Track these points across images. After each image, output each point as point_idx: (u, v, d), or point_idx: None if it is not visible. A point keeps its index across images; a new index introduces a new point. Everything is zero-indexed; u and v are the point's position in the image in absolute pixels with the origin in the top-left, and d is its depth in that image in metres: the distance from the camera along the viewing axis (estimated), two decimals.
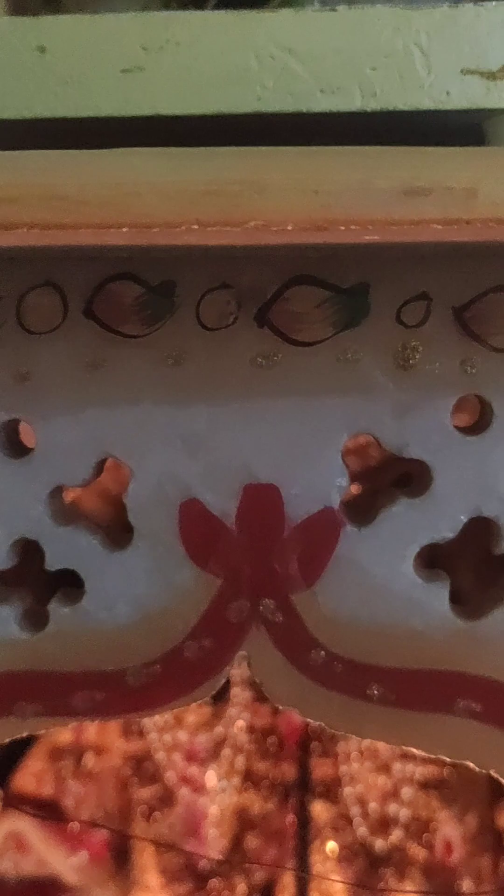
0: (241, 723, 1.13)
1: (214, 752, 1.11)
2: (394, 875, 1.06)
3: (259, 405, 0.39)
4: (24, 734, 0.42)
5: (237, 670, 1.29)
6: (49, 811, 1.17)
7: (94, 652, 0.41)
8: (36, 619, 0.41)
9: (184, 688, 0.41)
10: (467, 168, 0.29)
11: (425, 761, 1.08)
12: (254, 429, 0.39)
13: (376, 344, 0.38)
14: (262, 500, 0.39)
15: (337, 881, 1.07)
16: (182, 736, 1.11)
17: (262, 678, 0.41)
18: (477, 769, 0.40)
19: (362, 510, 0.41)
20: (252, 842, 1.11)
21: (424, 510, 0.40)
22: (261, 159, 0.30)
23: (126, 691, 0.41)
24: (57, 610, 0.41)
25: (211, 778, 1.10)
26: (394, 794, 1.08)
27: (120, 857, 1.16)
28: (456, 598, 0.40)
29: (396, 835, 1.07)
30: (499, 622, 0.40)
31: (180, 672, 0.41)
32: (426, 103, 0.37)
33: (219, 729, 1.11)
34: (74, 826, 1.13)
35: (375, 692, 0.40)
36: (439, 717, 0.40)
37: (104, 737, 1.14)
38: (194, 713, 1.12)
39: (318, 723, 0.42)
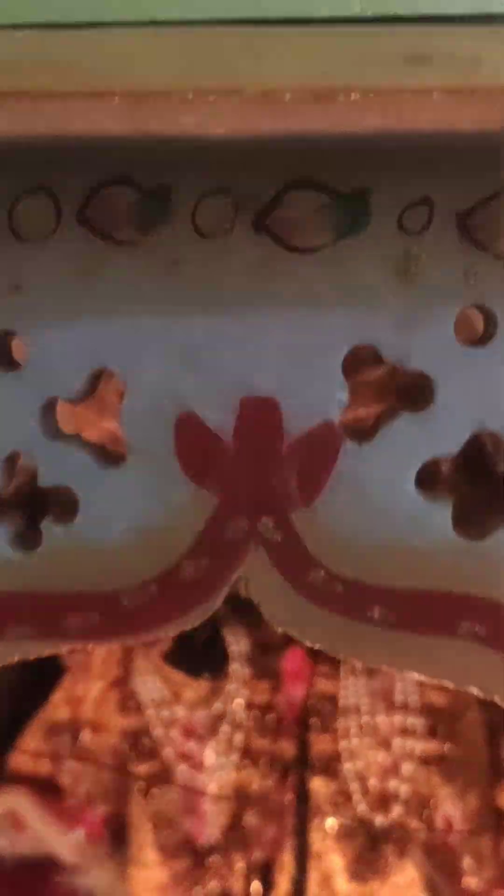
0: (239, 699, 1.11)
1: (213, 729, 1.09)
2: (394, 852, 1.04)
3: (257, 316, 0.38)
4: (16, 658, 0.41)
5: (236, 646, 1.27)
6: (46, 790, 1.16)
7: (89, 572, 0.40)
8: (28, 539, 0.40)
9: (180, 609, 0.39)
10: (471, 36, 0.28)
11: (425, 737, 1.07)
12: (252, 340, 0.38)
13: (377, 251, 0.37)
14: (260, 415, 0.38)
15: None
16: (180, 712, 1.09)
17: (260, 599, 0.40)
18: (482, 695, 0.39)
19: (363, 428, 0.40)
20: (251, 819, 1.09)
21: (427, 425, 0.38)
22: (259, 30, 0.29)
23: (121, 613, 0.39)
24: (50, 529, 0.40)
25: (209, 755, 1.09)
26: (394, 770, 1.06)
27: (117, 834, 1.15)
28: (459, 518, 0.39)
29: (396, 811, 1.05)
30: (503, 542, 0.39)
31: (177, 593, 0.39)
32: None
33: (217, 705, 1.10)
34: (71, 804, 1.11)
35: (376, 614, 0.38)
36: (442, 640, 0.39)
37: (101, 713, 1.13)
38: (192, 689, 1.11)
39: (317, 646, 0.40)
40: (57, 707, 1.15)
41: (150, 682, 1.10)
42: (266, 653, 1.17)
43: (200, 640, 1.14)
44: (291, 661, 1.11)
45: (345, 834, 1.04)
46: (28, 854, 1.14)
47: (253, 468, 0.39)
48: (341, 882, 1.05)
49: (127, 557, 0.40)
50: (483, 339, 0.38)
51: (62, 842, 1.11)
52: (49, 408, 0.40)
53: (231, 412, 0.38)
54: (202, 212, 0.37)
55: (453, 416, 0.38)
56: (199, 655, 1.15)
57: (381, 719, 1.07)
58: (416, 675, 0.40)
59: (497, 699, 0.39)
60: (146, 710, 1.10)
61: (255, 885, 1.13)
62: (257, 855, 1.13)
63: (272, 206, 0.37)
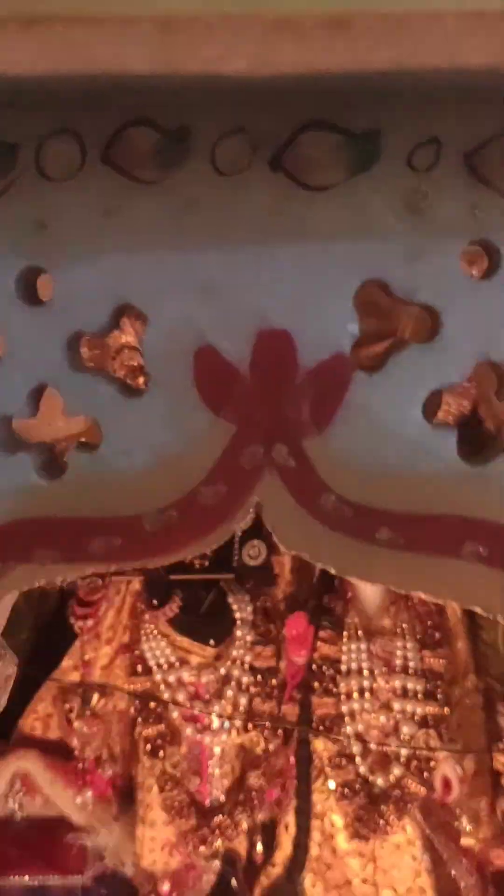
0: (244, 664, 1.13)
1: (218, 693, 1.11)
2: (393, 812, 1.05)
3: (272, 251, 0.39)
4: (43, 582, 0.42)
5: (241, 613, 1.28)
6: (56, 753, 1.17)
7: (112, 498, 0.41)
8: (55, 467, 0.42)
9: (199, 532, 0.41)
10: None
11: (425, 701, 1.08)
12: (267, 274, 0.39)
13: (387, 188, 0.39)
14: (274, 347, 0.40)
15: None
16: (186, 676, 1.10)
17: (273, 523, 0.41)
18: (484, 613, 0.41)
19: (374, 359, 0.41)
20: (254, 781, 1.11)
21: (434, 355, 0.40)
22: None
23: (143, 536, 0.41)
24: (75, 457, 0.41)
25: (214, 718, 1.10)
26: (394, 732, 1.07)
27: (125, 795, 1.16)
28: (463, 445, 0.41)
29: (396, 772, 1.06)
30: None
31: (195, 517, 0.41)
32: None
33: (222, 669, 1.11)
34: (81, 766, 1.13)
35: (384, 536, 0.40)
36: (446, 560, 0.40)
37: (110, 678, 1.14)
38: (198, 654, 1.12)
39: (328, 567, 0.42)
40: (67, 672, 1.17)
41: (158, 648, 1.12)
42: (269, 620, 1.19)
43: (206, 607, 1.16)
44: (294, 626, 1.12)
45: (345, 794, 1.05)
46: (39, 816, 1.15)
47: (268, 398, 0.40)
48: (342, 841, 1.06)
49: (148, 484, 0.41)
50: (487, 273, 0.40)
51: (72, 803, 1.12)
52: (74, 341, 0.41)
53: (247, 344, 0.40)
54: (220, 151, 0.38)
55: (459, 347, 0.40)
56: (204, 622, 1.17)
57: (382, 683, 1.08)
58: (421, 594, 0.41)
59: (500, 618, 0.41)
60: (154, 675, 1.11)
61: (259, 846, 1.15)
62: (261, 815, 1.15)
63: (288, 146, 0.38)
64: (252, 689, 1.13)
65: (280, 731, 1.15)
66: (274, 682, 1.14)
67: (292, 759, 1.13)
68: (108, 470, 0.41)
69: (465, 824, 1.12)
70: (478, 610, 0.41)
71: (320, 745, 1.07)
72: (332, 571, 0.42)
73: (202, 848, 1.07)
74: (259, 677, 1.13)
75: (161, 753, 1.09)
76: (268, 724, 1.10)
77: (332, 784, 1.06)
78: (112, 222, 0.39)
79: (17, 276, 0.40)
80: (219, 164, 0.39)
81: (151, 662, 1.13)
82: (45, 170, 0.39)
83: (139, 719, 1.10)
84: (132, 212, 0.40)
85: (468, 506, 0.40)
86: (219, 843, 1.07)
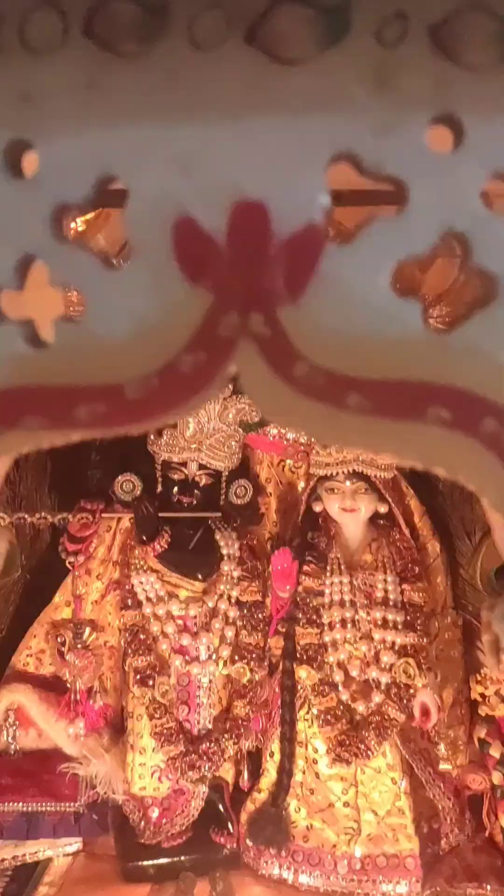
0: (231, 598, 1.15)
1: (206, 625, 1.13)
2: (374, 737, 1.08)
3: (249, 124, 0.41)
4: (31, 447, 0.44)
5: (227, 549, 1.29)
6: (48, 687, 1.19)
7: (96, 367, 0.43)
8: (41, 337, 0.43)
9: (178, 400, 0.42)
10: None
11: (404, 631, 1.10)
12: (243, 147, 0.41)
13: (356, 62, 0.40)
14: (250, 218, 0.41)
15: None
16: (175, 609, 1.13)
17: (250, 391, 0.43)
18: (447, 475, 0.42)
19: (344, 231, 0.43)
20: (241, 710, 1.13)
21: (401, 227, 0.41)
22: None
23: (125, 404, 0.42)
24: (61, 327, 0.43)
25: (202, 649, 1.13)
26: (375, 661, 1.10)
27: (116, 729, 1.19)
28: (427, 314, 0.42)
29: (377, 700, 1.09)
30: (468, 335, 0.42)
31: (176, 385, 0.42)
32: None
33: (210, 603, 1.13)
34: (73, 697, 1.15)
35: (353, 402, 0.42)
36: (412, 424, 0.42)
37: (101, 613, 1.16)
38: (187, 588, 1.14)
39: (302, 433, 0.43)
40: (58, 607, 1.19)
41: (147, 582, 1.13)
42: (255, 557, 1.21)
43: (194, 543, 1.18)
44: (279, 561, 1.14)
45: (328, 720, 1.08)
46: (32, 748, 1.17)
47: (244, 268, 0.42)
48: (324, 766, 1.09)
49: (130, 353, 0.43)
50: (453, 147, 0.41)
51: (64, 735, 1.14)
52: (59, 213, 0.42)
53: (224, 216, 0.41)
54: (198, 25, 0.40)
55: (425, 218, 0.41)
56: (193, 557, 1.19)
57: (363, 614, 1.11)
58: (389, 458, 0.43)
59: (461, 477, 0.43)
60: (143, 608, 1.13)
61: (245, 774, 1.18)
62: (247, 744, 1.18)
63: (262, 20, 0.39)
64: (238, 623, 1.16)
65: (266, 663, 1.18)
66: (260, 615, 1.16)
67: (277, 690, 1.15)
68: (92, 339, 0.42)
69: (444, 751, 1.16)
70: (440, 471, 0.43)
71: (304, 673, 1.10)
72: (305, 437, 0.44)
73: (190, 773, 1.10)
74: (245, 611, 1.16)
75: (151, 682, 1.11)
76: (254, 656, 1.13)
77: (315, 711, 1.09)
78: (95, 95, 0.41)
79: (3, 148, 0.41)
80: (196, 38, 0.40)
81: (141, 596, 1.15)
82: (28, 42, 0.40)
83: (129, 651, 1.12)
84: (114, 85, 0.41)
85: (432, 371, 0.42)
86: (206, 768, 1.09)
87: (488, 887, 1.06)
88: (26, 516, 1.10)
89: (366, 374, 0.42)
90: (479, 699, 1.15)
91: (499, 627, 0.44)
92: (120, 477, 1.11)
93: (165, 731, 1.11)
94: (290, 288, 0.41)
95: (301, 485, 1.17)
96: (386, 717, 1.09)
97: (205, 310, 0.42)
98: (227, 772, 1.16)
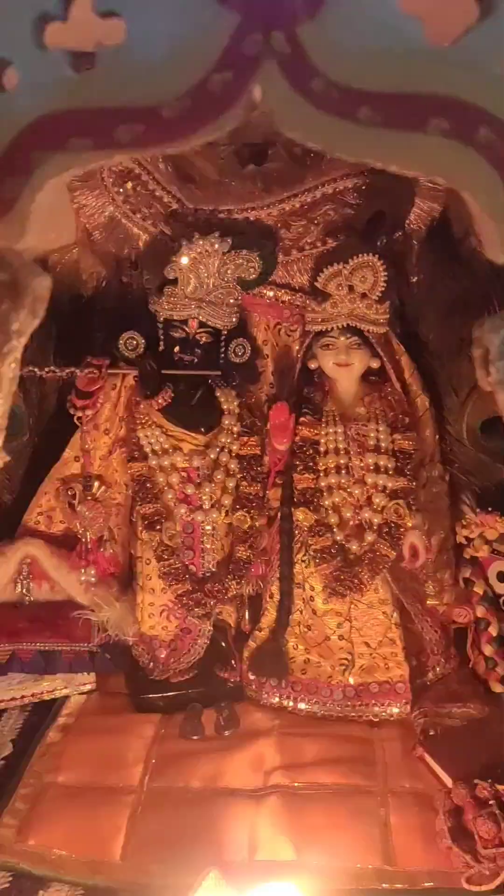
0: (232, 450, 1.21)
1: (208, 476, 1.19)
2: (367, 572, 1.15)
3: None
4: (78, 170, 0.49)
5: (228, 405, 1.34)
6: (59, 544, 1.25)
7: (134, 88, 0.48)
8: (86, 61, 0.48)
9: (209, 118, 0.47)
10: None
11: (395, 476, 1.16)
12: None
13: None
14: None
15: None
16: (179, 461, 1.18)
17: (272, 107, 0.48)
18: (446, 183, 0.48)
19: None
20: (243, 553, 1.20)
21: None
22: None
23: (162, 123, 0.47)
24: (102, 51, 0.48)
25: (205, 499, 1.19)
26: (367, 503, 1.16)
27: (123, 579, 1.25)
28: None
29: (369, 539, 1.15)
30: (469, 47, 0.47)
31: (206, 104, 0.47)
32: None
33: (212, 455, 1.19)
34: (84, 547, 1.20)
35: (364, 114, 0.47)
36: (415, 135, 0.47)
37: (109, 469, 1.22)
38: (190, 441, 1.20)
39: (318, 146, 0.48)
40: (67, 462, 1.24)
41: (153, 435, 1.19)
42: (254, 414, 1.27)
43: (196, 399, 1.23)
44: (277, 415, 1.20)
45: (324, 557, 1.14)
46: (45, 599, 1.23)
47: None
48: (320, 603, 1.15)
49: (166, 73, 0.47)
50: None
51: (77, 585, 1.20)
52: None
53: None
54: None
55: None
56: (195, 412, 1.25)
57: (357, 461, 1.17)
58: (395, 168, 0.48)
59: (455, 185, 0.48)
60: (149, 460, 1.19)
61: (247, 616, 1.26)
62: (248, 587, 1.25)
63: None
64: (239, 475, 1.22)
65: (265, 513, 1.25)
66: (258, 468, 1.22)
67: (276, 537, 1.22)
68: (130, 62, 0.47)
69: (431, 589, 1.24)
70: (440, 180, 0.48)
71: (301, 515, 1.16)
72: (320, 148, 0.49)
73: (197, 609, 1.17)
74: (245, 464, 1.22)
75: (158, 527, 1.17)
76: (254, 504, 1.19)
77: (311, 552, 1.16)
78: None
79: None
80: None
81: (147, 449, 1.20)
82: None
83: (137, 499, 1.18)
84: None
85: (434, 84, 0.47)
86: (211, 604, 1.16)
87: (471, 706, 1.15)
88: (35, 370, 1.14)
89: (375, 87, 0.47)
90: (464, 541, 1.22)
91: (488, 339, 0.50)
92: (124, 334, 1.15)
93: (173, 570, 1.17)
94: (309, 4, 0.46)
95: (296, 348, 1.23)
96: (378, 553, 1.15)
97: (232, 30, 0.47)
98: (229, 615, 1.23)
